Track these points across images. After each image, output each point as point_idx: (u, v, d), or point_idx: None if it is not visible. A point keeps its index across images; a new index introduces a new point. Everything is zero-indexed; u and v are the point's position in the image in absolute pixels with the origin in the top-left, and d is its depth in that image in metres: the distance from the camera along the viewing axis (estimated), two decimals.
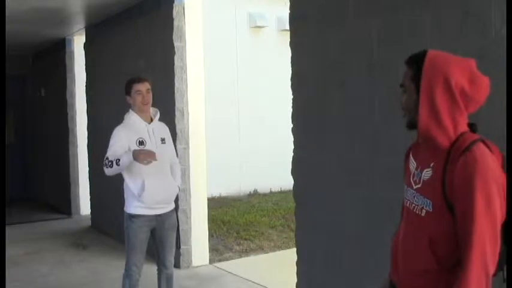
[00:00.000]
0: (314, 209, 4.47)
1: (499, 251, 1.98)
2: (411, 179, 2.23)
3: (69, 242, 8.27)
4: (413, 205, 2.18)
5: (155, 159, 4.26)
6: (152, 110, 4.61)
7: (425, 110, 2.08)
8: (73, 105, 10.25)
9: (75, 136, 10.26)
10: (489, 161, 1.99)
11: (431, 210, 2.09)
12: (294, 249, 4.77)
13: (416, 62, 2.15)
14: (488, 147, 2.05)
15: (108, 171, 4.38)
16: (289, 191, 5.08)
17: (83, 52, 9.54)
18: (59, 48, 10.41)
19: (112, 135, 4.48)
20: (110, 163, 4.31)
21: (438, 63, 2.08)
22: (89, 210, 9.62)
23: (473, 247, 1.92)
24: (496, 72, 2.99)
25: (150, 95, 4.52)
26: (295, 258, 4.69)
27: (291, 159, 4.69)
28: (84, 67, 9.50)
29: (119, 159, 4.28)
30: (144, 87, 4.48)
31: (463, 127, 2.10)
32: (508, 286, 2.11)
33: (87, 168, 9.49)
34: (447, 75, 2.05)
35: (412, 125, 2.18)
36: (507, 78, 2.84)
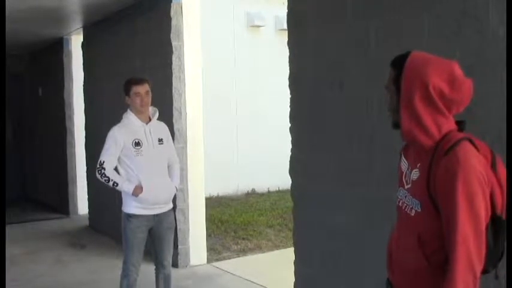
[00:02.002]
0: (312, 208, 4.47)
1: (484, 249, 1.98)
2: (403, 179, 2.26)
3: (67, 242, 8.27)
4: (405, 205, 2.21)
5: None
6: (151, 109, 4.59)
7: (405, 113, 2.10)
8: (71, 104, 10.24)
9: (72, 136, 10.25)
10: (473, 160, 1.99)
11: (420, 210, 2.11)
12: (292, 249, 4.77)
13: (398, 64, 2.16)
14: (474, 145, 2.04)
15: (100, 179, 4.46)
16: (287, 190, 5.08)
17: (80, 51, 9.54)
18: (57, 48, 10.39)
19: (108, 137, 4.47)
20: (106, 178, 4.41)
21: (417, 66, 2.09)
22: (87, 210, 9.62)
23: (457, 248, 1.93)
24: (493, 71, 3.01)
25: (149, 97, 4.49)
26: (293, 257, 4.69)
27: (289, 159, 4.69)
28: (82, 66, 9.50)
29: (117, 184, 4.41)
30: (143, 89, 4.45)
31: (449, 126, 2.10)
32: (508, 284, 2.12)
33: (85, 168, 9.48)
34: (424, 79, 2.05)
35: (397, 125, 2.19)
36: (507, 78, 2.85)
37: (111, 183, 4.40)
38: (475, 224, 1.95)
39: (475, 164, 1.98)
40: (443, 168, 1.99)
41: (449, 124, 2.10)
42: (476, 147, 2.04)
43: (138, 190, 4.37)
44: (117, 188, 4.42)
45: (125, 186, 4.40)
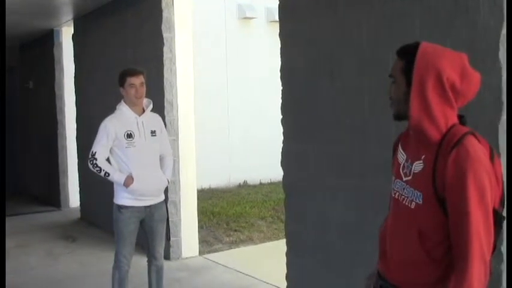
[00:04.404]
0: (304, 200, 4.48)
1: (493, 241, 2.00)
2: (401, 170, 2.23)
3: (59, 235, 8.25)
4: (403, 197, 2.18)
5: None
6: (145, 100, 4.57)
7: (416, 103, 2.07)
8: (62, 96, 10.20)
9: (64, 128, 10.22)
10: (480, 153, 2.00)
11: (421, 202, 2.09)
12: (284, 240, 4.79)
13: (407, 54, 2.12)
14: (477, 139, 2.05)
15: (92, 169, 4.48)
16: (279, 182, 5.09)
17: (71, 43, 9.49)
18: (47, 40, 10.34)
19: (100, 128, 4.47)
20: (97, 168, 4.42)
21: (430, 57, 2.07)
22: (78, 203, 9.60)
23: (471, 240, 1.94)
24: (484, 63, 3.01)
25: (144, 88, 4.48)
26: (285, 249, 4.71)
27: (281, 151, 4.69)
28: (72, 58, 9.45)
29: (109, 174, 4.42)
30: (138, 80, 4.44)
31: (453, 120, 2.09)
32: (508, 285, 2.13)
33: (76, 160, 9.46)
34: (439, 70, 2.03)
35: (400, 116, 2.17)
36: (507, 75, 2.86)
37: (102, 173, 4.41)
38: (485, 216, 1.97)
39: (482, 157, 2.00)
40: (453, 161, 1.99)
41: (454, 117, 2.10)
42: (479, 141, 2.05)
43: (129, 180, 4.37)
44: (109, 178, 4.43)
45: (116, 177, 4.41)
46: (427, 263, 2.08)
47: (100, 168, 4.40)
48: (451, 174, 1.99)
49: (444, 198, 2.02)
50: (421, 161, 2.12)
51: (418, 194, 2.10)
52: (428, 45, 2.13)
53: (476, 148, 2.01)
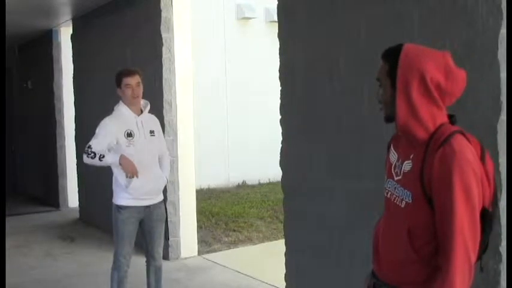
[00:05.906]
0: (302, 200, 4.48)
1: (479, 240, 2.01)
2: (392, 170, 2.25)
3: (57, 235, 8.24)
4: (394, 196, 2.21)
5: (137, 177, 4.33)
6: (143, 101, 4.59)
7: (402, 105, 2.09)
8: (60, 97, 10.19)
9: (62, 128, 10.21)
10: (467, 152, 2.01)
11: (410, 201, 2.11)
12: (283, 240, 4.78)
13: (391, 56, 2.15)
14: (466, 138, 2.06)
15: (87, 160, 4.39)
16: (278, 182, 5.08)
17: (70, 43, 9.47)
18: (46, 40, 10.32)
19: (100, 125, 4.47)
20: (92, 154, 4.32)
21: (413, 59, 2.08)
22: (77, 203, 9.59)
23: (454, 239, 1.95)
24: (482, 62, 3.01)
25: (140, 88, 4.49)
26: (284, 249, 4.70)
27: (280, 151, 4.69)
28: (71, 59, 9.44)
29: (103, 156, 4.32)
30: (134, 80, 4.44)
31: (442, 119, 2.11)
32: (508, 283, 2.13)
33: (75, 160, 9.45)
34: (422, 71, 2.05)
35: (390, 118, 2.19)
36: (506, 74, 2.86)
37: (97, 157, 4.30)
38: (471, 215, 1.97)
39: (469, 156, 2.00)
40: (439, 160, 2.00)
41: (442, 116, 2.11)
42: (468, 140, 2.06)
43: (124, 159, 4.30)
44: (103, 160, 4.32)
45: (110, 158, 4.33)
46: (416, 262, 2.10)
47: (94, 153, 4.31)
48: (437, 173, 2.01)
49: (432, 197, 2.04)
50: (410, 161, 2.14)
51: (408, 193, 2.13)
52: (411, 47, 2.15)
53: (463, 146, 2.02)
